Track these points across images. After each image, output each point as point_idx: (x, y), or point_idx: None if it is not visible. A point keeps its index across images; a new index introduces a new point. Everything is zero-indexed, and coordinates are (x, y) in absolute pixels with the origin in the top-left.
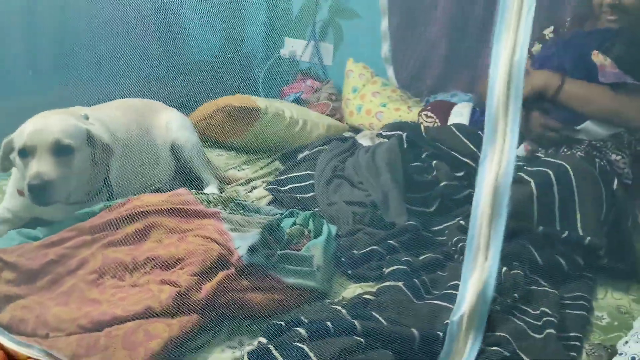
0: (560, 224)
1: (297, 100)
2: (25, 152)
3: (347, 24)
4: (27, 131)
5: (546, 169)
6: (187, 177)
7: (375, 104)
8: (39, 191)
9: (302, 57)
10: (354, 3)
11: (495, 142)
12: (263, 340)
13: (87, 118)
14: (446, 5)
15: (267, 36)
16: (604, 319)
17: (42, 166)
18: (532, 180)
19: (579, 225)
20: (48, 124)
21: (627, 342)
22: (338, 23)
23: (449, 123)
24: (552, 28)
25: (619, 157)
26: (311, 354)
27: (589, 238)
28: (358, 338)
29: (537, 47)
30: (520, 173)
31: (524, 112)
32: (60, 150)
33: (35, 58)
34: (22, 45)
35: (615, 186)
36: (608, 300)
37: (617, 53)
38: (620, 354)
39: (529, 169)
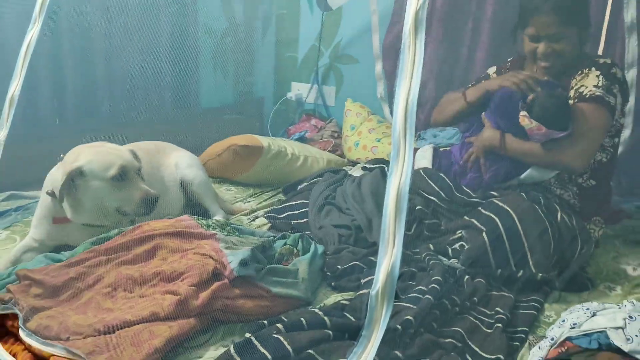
0: (515, 265)
1: (302, 139)
2: (123, 176)
3: (346, 68)
4: (123, 158)
5: (494, 217)
6: (196, 209)
7: (370, 140)
8: (152, 202)
9: (307, 99)
10: (351, 50)
11: (398, 160)
12: (248, 334)
13: None
14: (433, 50)
15: (275, 81)
16: (552, 317)
17: (144, 184)
18: (484, 229)
19: (530, 262)
20: (124, 151)
21: (552, 328)
22: (338, 68)
23: (415, 167)
24: (494, 68)
25: (563, 192)
26: (285, 343)
27: (540, 274)
28: (327, 331)
29: None
30: (473, 219)
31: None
32: (139, 171)
33: (61, 107)
34: (49, 96)
35: (559, 218)
36: (560, 304)
37: (537, 111)
38: (546, 338)
39: (483, 212)
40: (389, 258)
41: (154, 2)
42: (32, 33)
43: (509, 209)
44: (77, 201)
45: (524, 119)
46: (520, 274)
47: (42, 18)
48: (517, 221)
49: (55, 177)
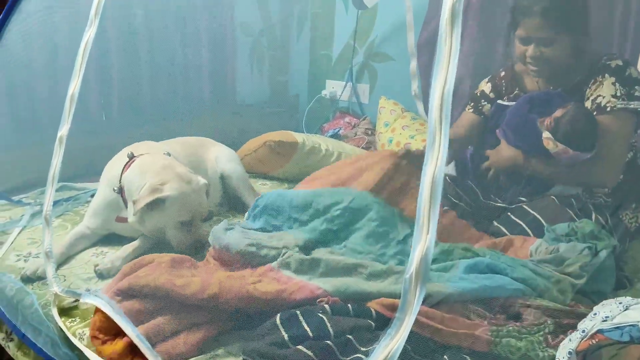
0: None
1: (336, 135)
2: (189, 223)
3: (380, 66)
4: (200, 206)
5: (526, 228)
6: (234, 202)
7: (404, 136)
8: (199, 249)
9: (341, 97)
10: (386, 47)
11: (433, 150)
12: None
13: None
14: (469, 45)
15: (310, 79)
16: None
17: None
18: None
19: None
20: (203, 195)
21: (583, 321)
22: (372, 66)
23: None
24: (490, 86)
25: (594, 200)
26: (328, 324)
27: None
28: (371, 322)
29: (486, 105)
30: (502, 227)
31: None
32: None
33: (108, 103)
34: (96, 93)
35: (593, 219)
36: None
37: (564, 133)
38: (577, 330)
39: (513, 218)
40: (423, 243)
41: (193, 2)
42: (89, 34)
43: (541, 219)
44: (143, 217)
45: (549, 142)
46: None
47: (97, 19)
48: (544, 223)
49: (129, 179)
